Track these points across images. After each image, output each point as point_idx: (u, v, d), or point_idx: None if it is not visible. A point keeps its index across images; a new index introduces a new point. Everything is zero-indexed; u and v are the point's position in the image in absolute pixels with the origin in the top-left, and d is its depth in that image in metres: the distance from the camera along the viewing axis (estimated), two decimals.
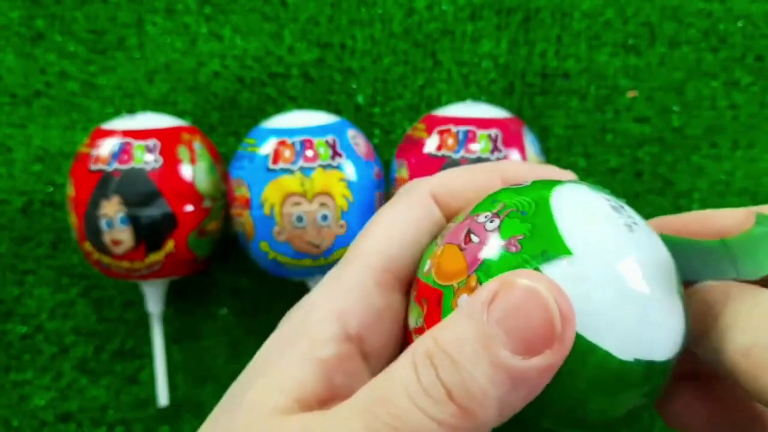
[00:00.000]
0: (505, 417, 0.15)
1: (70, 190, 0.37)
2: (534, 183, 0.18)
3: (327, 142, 0.36)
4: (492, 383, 0.15)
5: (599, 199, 0.18)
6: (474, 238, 0.17)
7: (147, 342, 0.43)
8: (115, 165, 0.36)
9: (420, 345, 0.16)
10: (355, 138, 0.38)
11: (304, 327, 0.18)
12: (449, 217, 0.20)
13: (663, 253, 0.17)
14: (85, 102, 0.43)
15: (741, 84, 0.42)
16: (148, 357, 0.43)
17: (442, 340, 0.15)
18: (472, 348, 0.15)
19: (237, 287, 0.44)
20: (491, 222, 0.17)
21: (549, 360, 0.15)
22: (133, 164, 0.36)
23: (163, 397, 0.42)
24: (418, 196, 0.20)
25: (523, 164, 0.21)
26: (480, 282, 0.16)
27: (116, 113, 0.43)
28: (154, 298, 0.40)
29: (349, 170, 0.36)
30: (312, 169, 0.35)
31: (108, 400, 0.44)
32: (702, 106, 0.42)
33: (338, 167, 0.36)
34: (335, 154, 0.36)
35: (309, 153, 0.36)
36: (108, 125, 0.38)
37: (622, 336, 0.16)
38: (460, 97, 0.42)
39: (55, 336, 0.44)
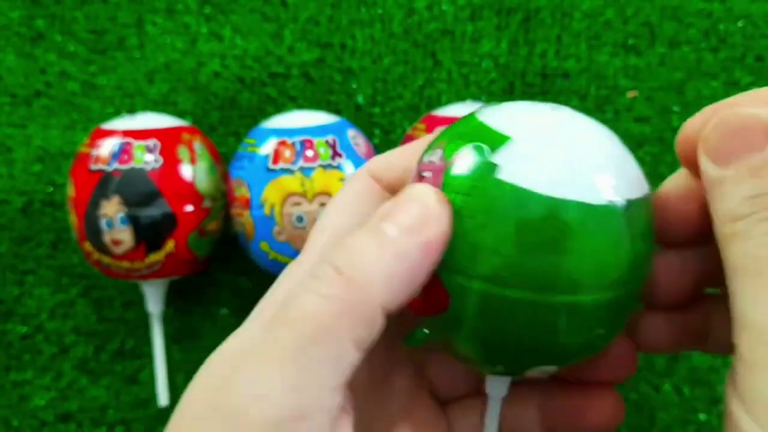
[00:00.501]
0: (393, 291, 0.17)
1: (70, 190, 0.37)
2: (460, 119, 0.20)
3: (327, 142, 0.36)
4: (379, 257, 0.17)
5: (520, 103, 0.20)
6: (426, 174, 0.19)
7: (147, 342, 0.43)
8: (115, 165, 0.36)
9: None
10: (356, 138, 0.38)
11: (271, 317, 0.19)
12: (389, 189, 0.22)
13: (594, 123, 0.20)
14: (85, 102, 0.43)
15: (741, 84, 0.42)
16: (148, 357, 0.43)
17: (340, 244, 0.18)
18: (364, 237, 0.18)
19: (237, 287, 0.44)
20: (434, 154, 0.19)
21: (428, 234, 0.18)
22: (133, 164, 0.36)
23: (163, 397, 0.42)
24: (358, 176, 0.22)
25: None
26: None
27: (116, 113, 0.43)
28: (154, 298, 0.40)
29: (350, 170, 0.36)
30: (312, 169, 0.35)
31: (108, 400, 0.44)
32: (702, 106, 0.42)
33: (338, 167, 0.36)
34: (335, 154, 0.36)
35: (309, 153, 0.36)
36: (108, 125, 0.38)
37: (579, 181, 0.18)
38: (460, 97, 0.42)
39: (55, 336, 0.44)
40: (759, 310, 0.16)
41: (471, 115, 0.20)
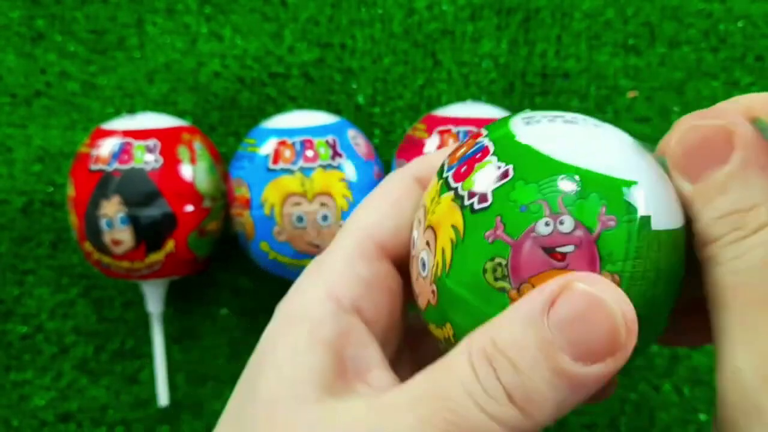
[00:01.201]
0: (560, 417, 0.16)
1: (70, 190, 0.37)
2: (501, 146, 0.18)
3: (327, 142, 0.36)
4: (552, 388, 0.15)
5: (549, 121, 0.18)
6: (566, 249, 0.16)
7: (147, 342, 0.43)
8: (115, 165, 0.36)
9: (476, 343, 0.16)
10: (356, 138, 0.38)
11: (300, 312, 0.18)
12: None
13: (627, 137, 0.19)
14: (85, 102, 0.43)
15: (741, 84, 0.42)
16: (148, 357, 0.43)
17: (501, 343, 0.15)
18: (532, 354, 0.15)
19: (237, 287, 0.44)
20: (557, 221, 0.16)
21: (610, 367, 0.15)
22: (133, 164, 0.36)
23: (163, 397, 0.42)
24: (399, 178, 0.21)
25: None
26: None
27: (116, 113, 0.43)
28: (154, 298, 0.40)
29: (350, 170, 0.36)
30: (312, 169, 0.35)
31: (108, 400, 0.44)
32: (702, 106, 0.42)
33: (338, 167, 0.36)
34: (335, 154, 0.36)
35: (309, 153, 0.36)
36: (108, 125, 0.38)
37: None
38: (460, 97, 0.42)
39: (55, 336, 0.44)
40: (729, 349, 0.15)
41: (532, 150, 0.17)
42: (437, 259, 0.17)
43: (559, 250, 0.16)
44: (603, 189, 0.16)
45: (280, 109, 0.43)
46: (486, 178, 0.17)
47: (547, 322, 0.15)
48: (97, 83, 0.43)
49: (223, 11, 0.43)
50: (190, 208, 0.37)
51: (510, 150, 0.17)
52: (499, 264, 0.16)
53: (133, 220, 0.36)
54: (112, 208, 0.36)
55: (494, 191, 0.16)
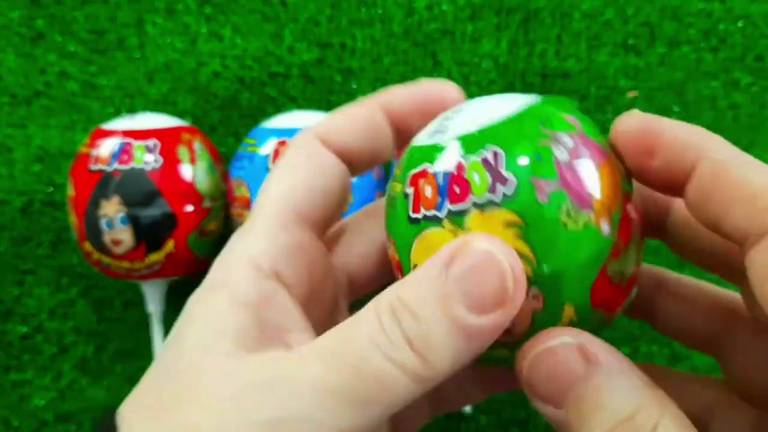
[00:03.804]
0: (457, 368, 0.17)
1: (70, 190, 0.37)
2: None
3: None
4: (448, 336, 0.16)
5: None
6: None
7: (147, 342, 0.43)
8: (115, 165, 0.36)
9: (384, 298, 0.17)
10: None
11: (222, 279, 0.19)
12: (340, 153, 0.21)
13: None
14: (85, 102, 0.43)
15: (741, 84, 0.42)
16: (148, 357, 0.43)
17: (404, 297, 0.17)
18: (432, 305, 0.17)
19: None
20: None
21: (500, 318, 0.17)
22: (133, 164, 0.36)
23: None
24: (305, 142, 0.21)
25: (402, 88, 0.23)
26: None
27: (116, 113, 0.43)
28: (154, 298, 0.40)
29: None
30: None
31: (108, 400, 0.44)
32: (702, 106, 0.42)
33: None
34: None
35: None
36: (108, 125, 0.38)
37: None
38: None
39: (55, 336, 0.44)
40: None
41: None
42: (523, 263, 0.18)
43: (586, 147, 0.19)
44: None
45: (280, 109, 0.43)
46: (487, 174, 0.18)
47: (446, 277, 0.17)
48: (97, 83, 0.43)
49: (223, 11, 0.43)
50: (190, 208, 0.37)
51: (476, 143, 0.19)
52: (567, 207, 0.17)
53: (133, 220, 0.36)
54: (112, 208, 0.36)
55: (508, 168, 0.18)
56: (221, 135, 0.43)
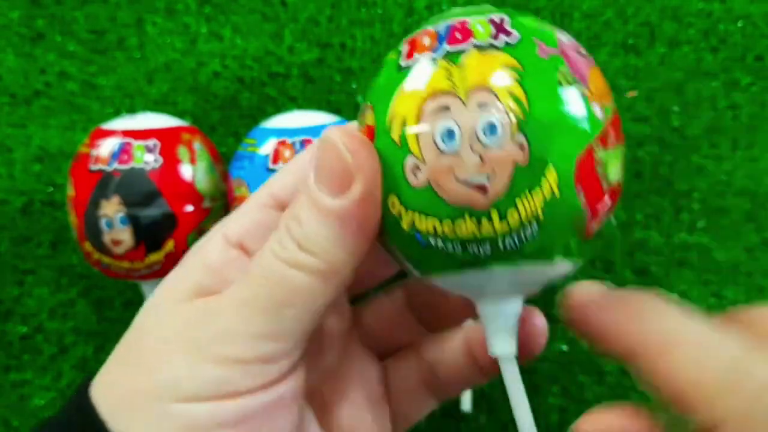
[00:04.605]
0: (353, 256, 0.19)
1: (70, 190, 0.37)
2: None
3: None
4: (323, 225, 0.18)
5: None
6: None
7: None
8: (115, 165, 0.36)
9: (281, 219, 0.19)
10: None
11: (197, 248, 0.22)
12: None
13: None
14: (85, 102, 0.43)
15: (741, 84, 0.42)
16: None
17: (293, 210, 0.19)
18: (305, 204, 0.19)
19: None
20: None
21: (357, 192, 0.18)
22: (133, 164, 0.36)
23: None
24: (311, 146, 0.23)
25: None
26: None
27: (116, 113, 0.43)
28: None
29: None
30: None
31: None
32: (702, 106, 0.42)
33: None
34: None
35: None
36: (108, 125, 0.38)
37: None
38: None
39: (55, 336, 0.44)
40: None
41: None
42: (512, 106, 0.17)
43: (581, 50, 0.19)
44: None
45: (280, 109, 0.43)
46: (491, 26, 0.18)
47: (311, 177, 0.19)
48: (96, 83, 0.43)
49: (223, 11, 0.43)
50: (190, 208, 0.37)
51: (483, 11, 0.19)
52: (564, 72, 0.18)
53: (132, 220, 0.36)
54: (111, 208, 0.36)
55: (513, 26, 0.18)
56: (221, 135, 0.43)
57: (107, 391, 0.19)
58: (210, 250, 0.21)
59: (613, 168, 0.18)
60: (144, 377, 0.19)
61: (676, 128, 0.42)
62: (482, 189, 0.17)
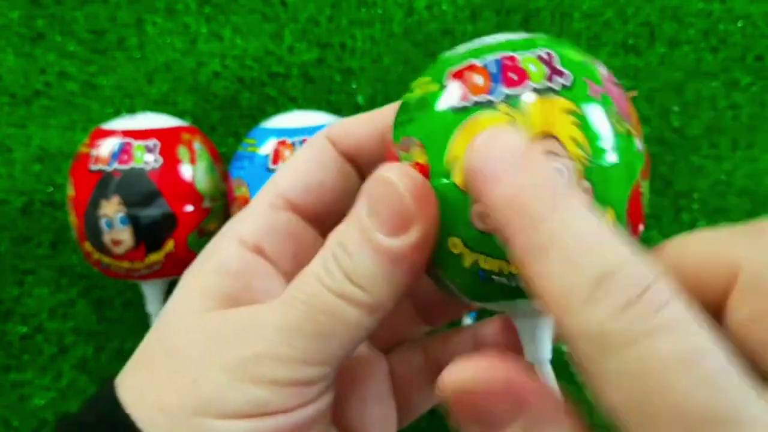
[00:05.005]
0: (398, 293, 0.19)
1: (70, 190, 0.37)
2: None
3: None
4: (375, 263, 0.18)
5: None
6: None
7: None
8: (115, 165, 0.36)
9: (326, 245, 0.19)
10: None
11: (211, 251, 0.22)
12: (346, 155, 0.23)
13: None
14: (85, 102, 0.43)
15: (741, 84, 0.42)
16: None
17: (341, 239, 0.19)
18: (357, 239, 0.18)
19: None
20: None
21: (415, 235, 0.18)
22: (133, 164, 0.36)
23: None
24: (315, 140, 0.23)
25: None
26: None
27: (116, 113, 0.43)
28: (154, 298, 0.40)
29: None
30: None
31: None
32: (702, 107, 0.42)
33: None
34: None
35: None
36: (108, 125, 0.38)
37: None
38: None
39: (55, 336, 0.44)
40: None
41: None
42: (577, 153, 0.17)
43: (617, 82, 0.19)
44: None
45: (280, 109, 0.43)
46: (543, 65, 0.18)
47: (363, 211, 0.18)
48: (96, 83, 0.43)
49: (223, 11, 0.43)
50: (190, 208, 0.37)
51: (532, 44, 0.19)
52: (615, 111, 0.18)
53: (132, 220, 0.36)
54: (111, 208, 0.36)
55: (563, 65, 0.18)
56: (221, 135, 0.43)
57: (138, 400, 0.19)
58: (227, 255, 0.21)
59: (647, 193, 0.19)
60: (181, 391, 0.19)
61: (676, 128, 0.42)
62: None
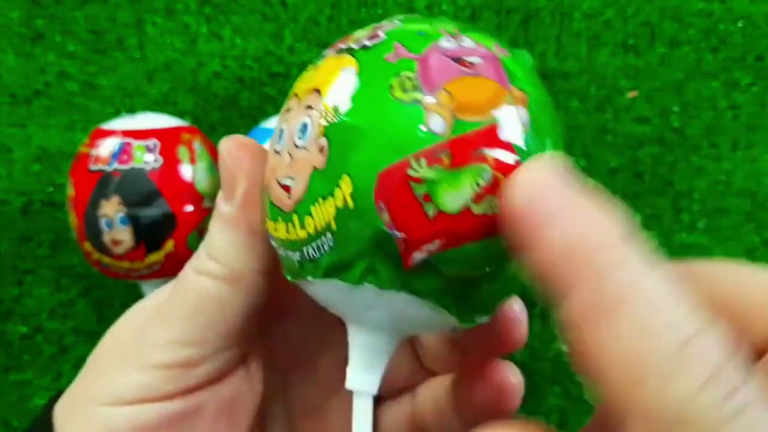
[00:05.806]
0: (253, 261, 0.19)
1: (70, 190, 0.37)
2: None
3: None
4: (222, 233, 0.19)
5: None
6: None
7: None
8: (115, 165, 0.36)
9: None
10: None
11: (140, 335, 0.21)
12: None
13: None
14: (85, 102, 0.43)
15: (741, 84, 0.42)
16: None
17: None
18: (213, 217, 0.20)
19: None
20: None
21: (239, 194, 0.19)
22: (133, 164, 0.36)
23: None
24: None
25: None
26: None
27: (116, 113, 0.43)
28: None
29: None
30: None
31: None
32: (702, 107, 0.42)
33: None
34: None
35: None
36: (108, 125, 0.38)
37: None
38: None
39: (55, 336, 0.44)
40: None
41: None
42: (325, 107, 0.16)
43: (466, 59, 0.15)
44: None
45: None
46: (366, 33, 0.17)
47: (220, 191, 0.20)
48: (96, 83, 0.43)
49: (223, 11, 0.43)
50: (189, 208, 0.37)
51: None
52: (408, 77, 0.15)
53: (132, 220, 0.36)
54: (111, 208, 0.36)
55: (387, 32, 0.17)
56: (221, 135, 0.43)
57: (62, 399, 0.21)
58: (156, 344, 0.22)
59: (449, 194, 0.15)
60: (85, 384, 0.20)
61: (676, 128, 0.42)
62: (287, 190, 0.17)
